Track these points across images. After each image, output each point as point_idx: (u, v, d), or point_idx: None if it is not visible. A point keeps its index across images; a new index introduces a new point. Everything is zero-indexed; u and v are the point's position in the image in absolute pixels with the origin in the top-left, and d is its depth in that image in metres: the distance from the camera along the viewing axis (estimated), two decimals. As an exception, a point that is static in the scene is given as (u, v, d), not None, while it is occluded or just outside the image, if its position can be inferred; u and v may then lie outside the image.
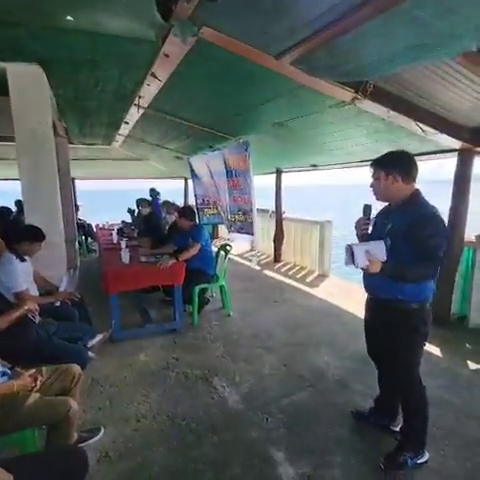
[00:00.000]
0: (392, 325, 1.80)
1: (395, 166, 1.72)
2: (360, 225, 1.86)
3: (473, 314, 3.48)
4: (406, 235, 1.66)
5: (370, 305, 1.99)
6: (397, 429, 2.05)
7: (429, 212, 1.67)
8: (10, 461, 1.25)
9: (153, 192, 8.23)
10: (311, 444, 2.02)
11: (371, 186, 1.81)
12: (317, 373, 2.76)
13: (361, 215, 1.87)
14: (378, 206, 1.93)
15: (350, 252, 1.63)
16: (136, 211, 7.06)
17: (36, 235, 2.59)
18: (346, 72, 2.30)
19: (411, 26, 1.66)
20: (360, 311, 3.94)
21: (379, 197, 1.82)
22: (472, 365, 2.83)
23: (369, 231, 1.89)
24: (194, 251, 3.62)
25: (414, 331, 1.76)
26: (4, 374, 1.60)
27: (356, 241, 1.83)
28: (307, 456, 1.92)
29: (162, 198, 6.57)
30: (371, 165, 1.81)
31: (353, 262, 1.62)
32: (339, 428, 2.15)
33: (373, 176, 1.79)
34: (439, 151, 3.45)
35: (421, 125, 2.87)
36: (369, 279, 1.87)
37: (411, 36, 1.75)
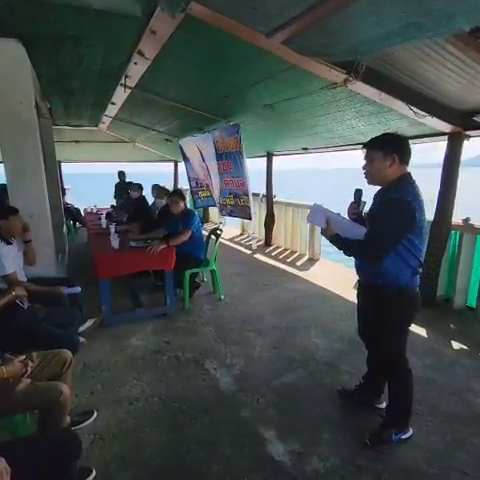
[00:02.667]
0: (375, 308, 1.84)
1: (394, 147, 1.69)
2: (350, 210, 1.88)
3: (458, 296, 3.58)
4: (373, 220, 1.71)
5: (360, 288, 2.03)
6: (381, 406, 2.14)
7: (396, 197, 1.62)
8: (2, 445, 1.26)
9: (121, 174, 8.17)
10: (300, 423, 2.08)
11: (364, 168, 1.77)
12: (306, 355, 2.82)
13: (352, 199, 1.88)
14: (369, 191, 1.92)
15: (311, 209, 1.91)
16: (124, 195, 6.96)
17: (7, 210, 2.60)
18: (339, 51, 2.26)
19: (404, 4, 1.62)
20: (348, 294, 4.04)
21: (371, 180, 1.78)
22: (455, 345, 2.93)
23: (362, 215, 1.89)
24: (184, 237, 3.60)
25: (394, 315, 1.79)
26: (-6, 360, 1.59)
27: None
28: (296, 434, 1.98)
29: (153, 182, 6.49)
30: (365, 146, 1.76)
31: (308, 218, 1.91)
32: (327, 407, 2.21)
33: (367, 158, 1.75)
34: (429, 134, 3.46)
35: (413, 108, 2.85)
36: (356, 263, 1.92)
37: (404, 14, 1.71)
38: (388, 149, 1.69)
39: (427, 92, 2.82)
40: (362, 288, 1.99)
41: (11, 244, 2.56)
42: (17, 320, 2.18)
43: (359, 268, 1.92)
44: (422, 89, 2.79)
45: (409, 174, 1.73)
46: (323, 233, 1.84)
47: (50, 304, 2.54)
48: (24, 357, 1.65)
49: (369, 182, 1.80)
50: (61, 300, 2.67)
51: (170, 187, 9.25)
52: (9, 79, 2.84)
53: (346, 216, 1.92)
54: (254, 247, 6.38)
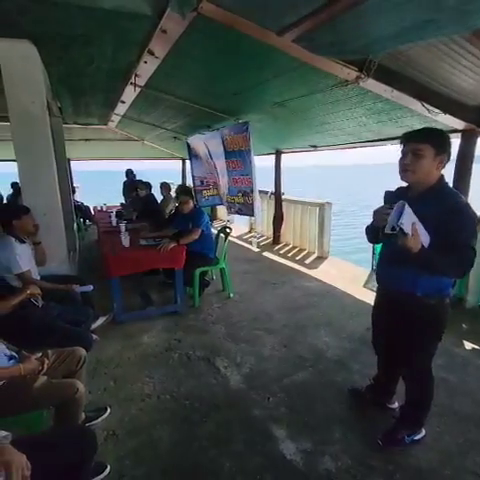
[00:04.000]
0: (407, 320, 1.73)
1: (447, 148, 1.54)
2: (382, 215, 1.56)
3: (470, 296, 3.54)
4: (436, 228, 1.48)
5: (382, 298, 1.92)
6: (393, 406, 2.13)
7: (461, 203, 1.52)
8: (21, 441, 1.28)
9: (129, 172, 8.22)
10: (311, 421, 2.08)
11: (405, 162, 1.56)
12: (316, 353, 2.82)
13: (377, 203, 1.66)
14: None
15: (399, 209, 1.41)
16: (133, 193, 7.00)
17: (20, 209, 2.66)
18: (350, 50, 2.23)
19: (420, 1, 1.59)
20: (358, 292, 4.02)
21: (412, 177, 1.58)
22: (468, 345, 2.90)
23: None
24: (195, 236, 3.62)
25: (430, 327, 1.71)
26: (12, 358, 1.63)
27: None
28: (307, 433, 1.99)
29: (160, 180, 6.55)
30: (414, 138, 1.55)
31: (398, 221, 1.39)
32: (338, 406, 2.22)
33: (414, 151, 1.53)
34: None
35: (425, 105, 2.81)
36: (384, 271, 1.82)
37: (420, 11, 1.68)
38: (442, 148, 1.53)
39: (440, 89, 2.77)
40: (387, 298, 1.85)
41: (25, 243, 2.60)
42: (32, 318, 2.22)
43: (387, 276, 1.80)
44: (435, 86, 2.74)
45: (444, 176, 1.63)
46: (407, 243, 1.40)
47: (63, 302, 2.58)
48: (40, 354, 1.69)
49: (408, 178, 1.60)
50: (74, 298, 2.71)
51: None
52: (21, 79, 2.86)
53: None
54: (254, 245, 6.34)
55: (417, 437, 1.87)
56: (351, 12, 1.80)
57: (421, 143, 1.53)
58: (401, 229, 1.38)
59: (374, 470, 1.75)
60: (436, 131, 1.58)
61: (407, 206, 1.42)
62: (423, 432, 1.90)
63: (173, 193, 6.04)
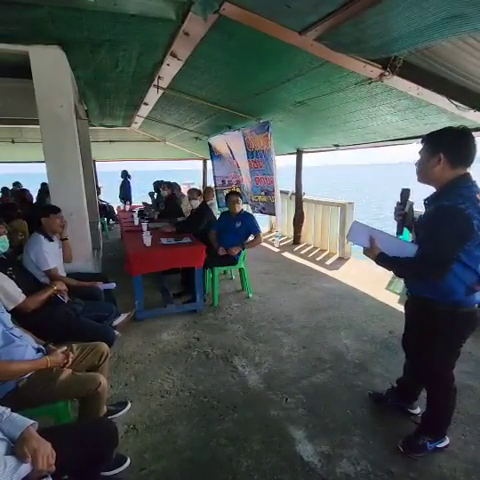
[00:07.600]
0: (423, 321, 1.72)
1: (440, 146, 1.52)
2: (396, 211, 1.73)
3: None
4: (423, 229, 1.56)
5: (408, 300, 1.91)
6: (415, 412, 2.08)
7: (448, 205, 1.44)
8: (47, 430, 1.34)
9: (124, 173, 8.33)
10: (330, 424, 2.06)
11: (416, 164, 1.64)
12: (336, 355, 2.78)
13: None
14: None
15: (351, 227, 1.82)
16: (155, 193, 7.15)
17: (49, 208, 2.76)
18: (374, 47, 2.18)
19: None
20: (380, 294, 3.93)
21: (419, 178, 1.64)
22: (497, 351, 2.77)
23: (407, 216, 1.75)
24: (260, 241, 3.94)
25: (444, 333, 1.65)
26: (39, 350, 1.70)
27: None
28: (326, 435, 1.97)
29: (184, 180, 6.65)
30: (422, 139, 1.63)
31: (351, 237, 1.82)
32: (358, 409, 2.18)
33: (420, 152, 1.61)
34: (471, 130, 3.27)
35: (453, 102, 2.72)
36: None
37: (448, 5, 1.62)
38: (434, 147, 1.53)
39: (469, 85, 2.67)
40: (410, 301, 1.87)
41: (53, 241, 2.71)
42: (58, 313, 2.30)
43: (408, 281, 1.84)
44: (463, 81, 2.64)
45: (465, 176, 1.54)
46: (366, 253, 1.71)
47: (87, 298, 2.67)
48: (66, 348, 1.75)
49: (417, 180, 1.66)
50: (98, 295, 2.80)
51: (199, 185, 9.40)
52: (51, 84, 2.98)
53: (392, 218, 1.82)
54: (276, 245, 6.35)
55: (440, 445, 1.81)
56: (375, 8, 1.77)
57: (423, 144, 1.60)
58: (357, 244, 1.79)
59: (395, 476, 1.70)
60: (438, 131, 1.56)
61: (356, 223, 1.79)
62: (447, 440, 1.84)
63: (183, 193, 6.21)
